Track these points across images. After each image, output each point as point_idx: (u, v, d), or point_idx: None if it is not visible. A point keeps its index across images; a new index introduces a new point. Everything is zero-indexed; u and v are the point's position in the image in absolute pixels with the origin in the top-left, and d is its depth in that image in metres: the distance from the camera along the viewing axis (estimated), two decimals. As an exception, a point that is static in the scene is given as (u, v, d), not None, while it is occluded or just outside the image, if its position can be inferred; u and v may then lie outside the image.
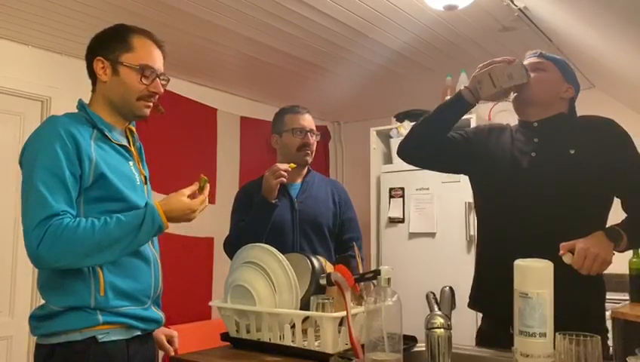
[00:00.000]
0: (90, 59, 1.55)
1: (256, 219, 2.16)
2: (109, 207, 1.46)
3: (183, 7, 2.74)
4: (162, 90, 1.58)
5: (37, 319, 1.46)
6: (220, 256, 3.98)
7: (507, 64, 1.72)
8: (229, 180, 4.24)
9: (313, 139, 2.32)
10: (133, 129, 1.65)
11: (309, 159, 2.31)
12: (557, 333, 1.13)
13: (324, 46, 3.29)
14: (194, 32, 3.06)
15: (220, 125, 4.24)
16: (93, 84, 1.57)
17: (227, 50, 3.38)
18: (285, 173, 2.13)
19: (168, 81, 1.60)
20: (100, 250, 1.38)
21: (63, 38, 3.16)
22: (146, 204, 1.48)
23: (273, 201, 2.14)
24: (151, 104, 1.57)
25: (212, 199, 4.13)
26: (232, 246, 2.13)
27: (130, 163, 1.57)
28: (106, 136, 1.51)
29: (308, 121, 2.34)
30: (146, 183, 1.63)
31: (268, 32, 3.06)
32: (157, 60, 1.56)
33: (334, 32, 3.07)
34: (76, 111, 1.57)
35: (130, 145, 1.60)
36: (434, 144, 1.86)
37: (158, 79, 1.55)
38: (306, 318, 1.49)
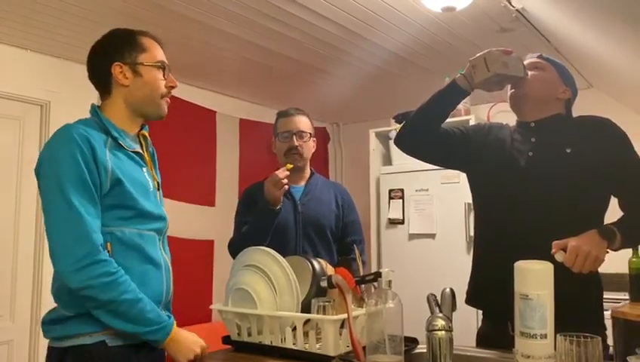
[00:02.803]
0: (103, 67, 1.55)
1: (259, 225, 2.15)
2: (122, 214, 1.47)
3: (182, 11, 2.75)
4: (177, 83, 1.62)
5: (49, 323, 1.49)
6: (220, 258, 3.98)
7: (504, 54, 1.73)
8: (228, 182, 4.25)
9: (300, 142, 2.27)
10: (147, 134, 1.66)
11: (299, 162, 2.27)
12: (558, 334, 1.14)
13: (323, 48, 3.30)
14: (193, 35, 3.07)
15: (219, 127, 4.24)
16: (106, 91, 1.57)
17: (226, 53, 3.39)
18: (286, 181, 2.10)
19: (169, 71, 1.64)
20: (112, 312, 1.40)
21: (62, 43, 3.16)
22: (170, 317, 1.50)
23: (277, 208, 2.13)
24: (169, 101, 1.61)
25: (212, 202, 4.16)
26: (235, 249, 2.13)
27: (144, 169, 1.58)
28: (119, 143, 1.52)
29: (296, 123, 2.30)
30: (158, 189, 1.64)
31: (266, 34, 3.06)
32: (164, 56, 1.60)
33: (332, 34, 3.07)
34: (84, 116, 1.58)
35: (143, 150, 1.61)
36: (430, 132, 1.85)
37: (170, 73, 1.60)
38: (307, 321, 1.50)
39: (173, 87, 1.60)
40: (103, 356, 1.43)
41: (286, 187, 2.11)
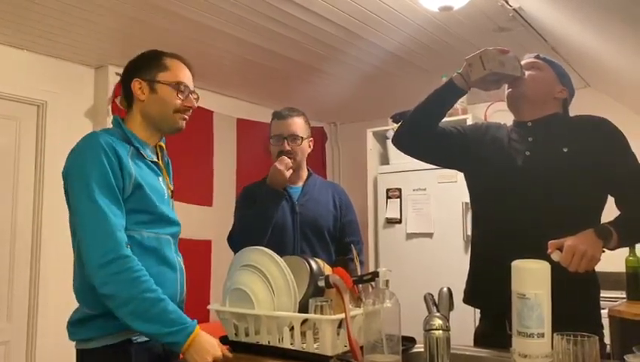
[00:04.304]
0: (127, 82, 1.65)
1: (263, 209, 2.15)
2: (141, 218, 1.54)
3: (179, 11, 2.74)
4: (196, 105, 1.69)
5: (73, 324, 1.55)
6: (218, 258, 3.98)
7: (501, 52, 1.73)
8: (225, 182, 4.24)
9: (293, 145, 2.24)
10: (163, 145, 1.75)
11: (292, 164, 2.22)
12: (555, 334, 1.14)
13: (320, 47, 3.30)
14: (190, 35, 3.06)
15: (217, 127, 4.24)
16: (130, 105, 1.66)
17: (223, 53, 3.38)
18: (291, 163, 2.15)
19: (198, 98, 1.71)
20: (133, 311, 1.41)
21: (59, 43, 3.15)
22: (195, 322, 1.49)
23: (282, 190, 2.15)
24: (187, 117, 1.67)
25: (209, 202, 4.16)
26: (237, 238, 2.15)
27: (160, 178, 1.66)
28: (140, 153, 1.60)
29: (288, 126, 2.27)
30: (172, 197, 1.73)
31: (263, 34, 3.06)
32: (188, 79, 1.68)
33: (329, 33, 3.07)
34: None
35: (159, 160, 1.70)
36: (427, 132, 1.86)
37: (191, 95, 1.67)
38: (304, 321, 1.49)
39: (189, 107, 1.67)
40: (133, 350, 1.50)
41: (291, 171, 2.15)
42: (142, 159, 1.60)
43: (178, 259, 1.66)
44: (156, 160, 1.68)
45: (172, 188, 1.75)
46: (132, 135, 1.61)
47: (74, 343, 1.57)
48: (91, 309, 1.50)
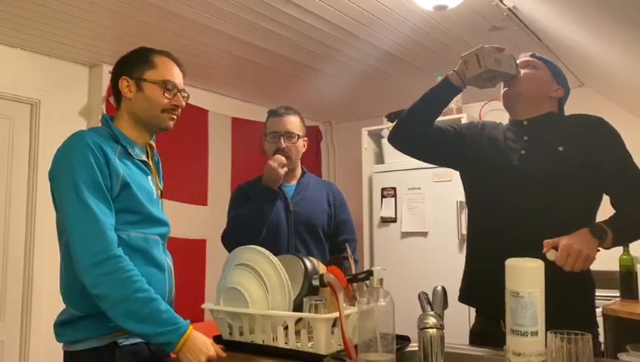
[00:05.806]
0: (115, 80, 1.63)
1: (259, 209, 2.14)
2: (129, 218, 1.53)
3: (175, 10, 2.73)
4: (184, 104, 1.66)
5: (59, 325, 1.53)
6: (212, 257, 3.97)
7: (496, 50, 1.73)
8: (220, 181, 4.24)
9: (288, 143, 2.24)
10: (153, 144, 1.73)
11: (287, 163, 2.22)
12: (548, 332, 1.14)
13: (315, 46, 3.30)
14: (185, 34, 3.05)
15: (212, 126, 4.23)
16: (117, 102, 1.65)
17: (217, 52, 3.38)
18: (286, 161, 2.15)
19: (188, 96, 1.68)
20: (125, 311, 1.40)
21: (52, 41, 3.14)
22: (188, 322, 1.48)
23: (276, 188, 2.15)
24: (175, 117, 1.65)
25: (204, 201, 4.15)
26: (231, 237, 2.14)
27: (149, 177, 1.65)
28: (128, 152, 1.58)
29: (284, 124, 2.26)
30: (161, 197, 1.71)
31: (258, 32, 3.06)
32: (177, 77, 1.65)
33: (325, 32, 3.07)
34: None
35: (148, 159, 1.68)
36: (423, 130, 1.85)
37: (179, 94, 1.64)
38: (299, 320, 1.49)
39: (177, 106, 1.64)
40: (119, 354, 1.49)
41: (286, 168, 2.14)
42: (130, 158, 1.59)
43: (167, 260, 1.64)
44: (145, 159, 1.66)
45: (162, 188, 1.73)
46: (120, 134, 1.59)
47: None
48: (77, 310, 1.49)
